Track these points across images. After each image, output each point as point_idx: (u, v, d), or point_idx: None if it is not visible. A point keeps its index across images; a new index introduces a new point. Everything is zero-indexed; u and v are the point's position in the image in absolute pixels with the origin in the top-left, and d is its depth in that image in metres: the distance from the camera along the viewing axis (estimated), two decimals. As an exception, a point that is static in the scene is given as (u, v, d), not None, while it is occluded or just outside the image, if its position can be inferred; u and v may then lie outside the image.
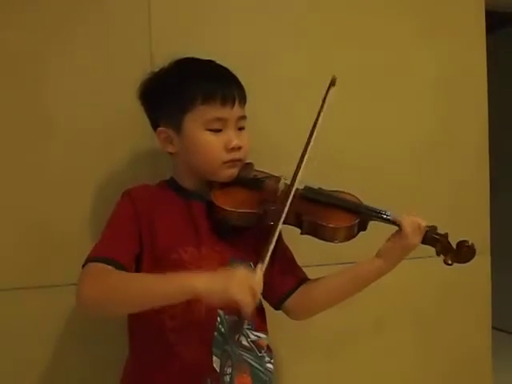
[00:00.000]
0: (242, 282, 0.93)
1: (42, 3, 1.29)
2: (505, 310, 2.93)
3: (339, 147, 1.48)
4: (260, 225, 1.09)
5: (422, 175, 1.63)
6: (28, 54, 1.29)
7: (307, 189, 1.14)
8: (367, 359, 1.57)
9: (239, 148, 1.12)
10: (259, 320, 1.15)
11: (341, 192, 1.16)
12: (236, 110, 1.12)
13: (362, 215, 1.11)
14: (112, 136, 1.33)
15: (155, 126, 1.16)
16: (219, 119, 1.10)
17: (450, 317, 1.66)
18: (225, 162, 1.11)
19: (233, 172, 1.13)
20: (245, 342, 1.10)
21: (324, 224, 1.09)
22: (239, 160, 1.13)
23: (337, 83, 1.12)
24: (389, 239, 1.12)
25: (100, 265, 1.03)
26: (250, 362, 1.10)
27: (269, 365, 1.12)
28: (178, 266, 1.07)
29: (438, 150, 1.65)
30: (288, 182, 1.11)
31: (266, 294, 1.15)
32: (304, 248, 1.20)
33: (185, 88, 1.11)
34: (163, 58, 1.17)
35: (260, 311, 1.17)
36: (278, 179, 1.14)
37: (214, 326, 1.08)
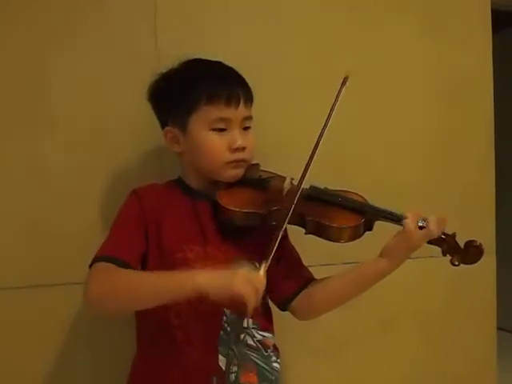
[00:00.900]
0: (246, 279, 0.93)
1: (46, 3, 1.29)
2: (510, 310, 2.92)
3: (342, 147, 1.47)
4: (265, 225, 1.09)
5: (427, 175, 1.62)
6: (31, 54, 1.29)
7: (312, 188, 1.14)
8: (372, 359, 1.56)
9: (243, 148, 1.12)
10: (265, 320, 1.15)
11: (347, 192, 1.15)
12: (241, 111, 1.12)
13: (367, 215, 1.10)
14: (116, 136, 1.33)
15: (163, 125, 1.17)
16: (223, 119, 1.11)
17: (454, 317, 1.66)
18: (228, 163, 1.12)
19: (237, 172, 1.14)
20: (250, 342, 1.10)
21: (328, 224, 1.09)
22: (243, 160, 1.13)
23: (348, 83, 1.12)
24: (393, 238, 1.10)
25: (107, 264, 1.04)
26: (256, 361, 1.10)
27: (275, 364, 1.12)
28: (184, 264, 1.08)
29: (443, 150, 1.64)
30: (294, 182, 1.11)
31: (272, 295, 1.17)
32: (308, 248, 1.20)
33: (190, 89, 1.11)
34: (169, 58, 1.18)
35: (266, 311, 1.17)
36: (283, 179, 1.14)
37: (220, 325, 1.09)
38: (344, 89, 1.11)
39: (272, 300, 1.18)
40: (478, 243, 1.07)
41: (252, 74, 1.15)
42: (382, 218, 1.11)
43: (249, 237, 1.13)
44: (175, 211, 1.14)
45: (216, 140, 1.11)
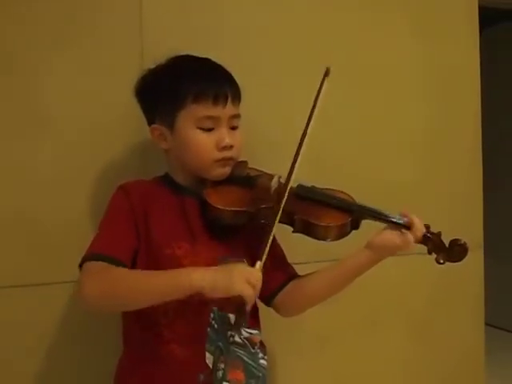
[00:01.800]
0: (244, 278, 0.94)
1: (35, 4, 1.28)
2: (497, 306, 2.94)
3: (330, 146, 1.48)
4: (253, 223, 1.09)
5: (416, 173, 1.63)
6: (19, 54, 1.28)
7: (300, 187, 1.14)
8: (360, 356, 1.57)
9: (231, 147, 1.12)
10: (252, 317, 1.14)
11: (334, 190, 1.16)
12: (229, 109, 1.12)
13: (354, 214, 1.11)
14: (102, 134, 1.33)
15: (150, 122, 1.16)
16: (211, 118, 1.10)
17: (442, 313, 1.67)
18: (216, 161, 1.11)
19: (225, 171, 1.14)
20: (237, 339, 1.09)
21: (316, 222, 1.09)
22: (231, 159, 1.13)
23: (331, 74, 1.12)
24: (381, 233, 1.11)
25: (99, 263, 1.03)
26: (243, 358, 1.10)
27: (262, 361, 1.12)
28: (172, 261, 1.08)
29: (431, 147, 1.65)
30: (282, 180, 1.11)
31: None
32: (295, 245, 1.21)
33: (177, 86, 1.11)
34: (154, 56, 1.18)
35: (253, 308, 1.17)
36: (271, 177, 1.14)
37: (207, 322, 1.09)
38: (326, 81, 1.11)
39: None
40: (462, 242, 1.09)
41: (240, 71, 1.15)
42: (369, 217, 1.12)
43: (237, 235, 1.14)
44: (162, 207, 1.14)
45: (203, 138, 1.11)
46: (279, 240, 1.22)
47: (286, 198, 1.05)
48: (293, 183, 1.10)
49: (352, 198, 1.15)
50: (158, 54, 1.17)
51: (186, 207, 1.14)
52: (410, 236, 1.09)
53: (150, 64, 1.18)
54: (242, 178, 1.15)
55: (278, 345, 1.40)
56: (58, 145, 1.31)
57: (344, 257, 1.14)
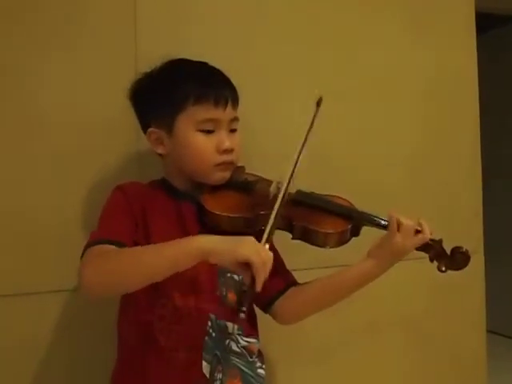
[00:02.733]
0: (254, 246, 0.92)
1: (29, 7, 1.27)
2: (499, 312, 2.93)
3: (329, 150, 1.47)
4: (251, 229, 1.07)
5: (414, 176, 1.62)
6: (13, 56, 1.27)
7: (299, 193, 1.12)
8: (359, 364, 1.56)
9: (231, 150, 1.11)
10: (250, 325, 1.13)
11: (334, 196, 1.15)
12: (229, 112, 1.11)
13: (354, 220, 1.10)
14: (97, 139, 1.31)
15: (145, 126, 1.15)
16: (211, 120, 1.09)
17: (443, 320, 1.66)
18: (216, 165, 1.10)
19: (225, 175, 1.12)
20: (235, 348, 1.09)
21: (315, 229, 1.08)
22: (231, 163, 1.12)
23: (322, 104, 1.09)
24: (380, 242, 1.10)
25: (99, 246, 1.00)
26: (241, 367, 1.09)
27: (260, 370, 1.11)
28: None
29: (429, 151, 1.64)
30: (281, 186, 1.09)
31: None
32: (295, 251, 1.19)
33: (177, 88, 1.10)
34: (148, 59, 1.17)
35: (251, 316, 1.16)
36: (269, 183, 1.13)
37: (205, 330, 1.07)
38: (319, 110, 1.09)
39: (255, 300, 1.16)
40: (464, 249, 1.07)
41: (235, 76, 1.14)
42: (368, 224, 1.11)
43: None
44: (159, 211, 1.12)
45: (204, 141, 1.09)
46: (278, 246, 1.21)
47: (282, 203, 1.02)
48: (292, 189, 1.09)
49: (352, 204, 1.14)
50: (152, 57, 1.16)
51: (183, 212, 1.12)
52: (404, 240, 1.07)
53: (145, 67, 1.16)
54: (240, 184, 1.14)
55: (276, 354, 1.39)
56: (53, 149, 1.29)
57: (348, 263, 1.13)
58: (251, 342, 1.11)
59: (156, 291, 1.06)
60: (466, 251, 1.07)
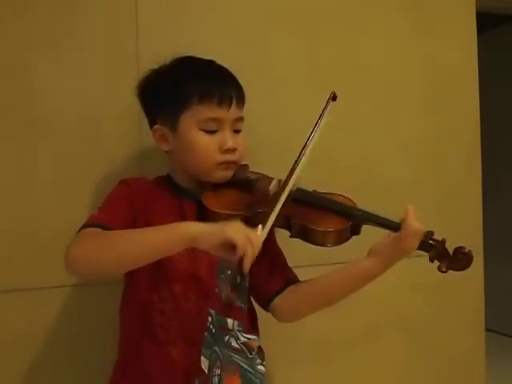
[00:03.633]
0: (240, 229, 0.93)
1: (31, 6, 1.27)
2: (498, 311, 2.93)
3: (331, 147, 1.46)
4: (250, 227, 1.07)
5: (414, 175, 1.62)
6: (15, 56, 1.27)
7: (299, 191, 1.11)
8: (359, 364, 1.55)
9: (234, 150, 1.10)
10: (250, 322, 1.14)
11: (335, 194, 1.14)
12: (233, 112, 1.10)
13: (354, 219, 1.08)
14: (99, 137, 1.31)
15: (152, 123, 1.15)
16: (215, 119, 1.09)
17: (442, 319, 1.65)
18: (218, 164, 1.10)
19: (227, 174, 1.12)
20: (235, 344, 1.09)
21: (313, 227, 1.07)
22: (233, 162, 1.12)
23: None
24: (386, 241, 1.08)
25: (91, 228, 1.01)
26: (240, 363, 1.09)
27: (260, 367, 1.11)
28: (169, 263, 1.06)
29: (429, 149, 1.64)
30: (281, 183, 1.09)
31: (254, 292, 1.16)
32: (296, 248, 1.18)
33: (182, 87, 1.09)
34: (149, 58, 1.16)
35: (251, 313, 1.16)
36: (269, 180, 1.13)
37: (204, 326, 1.08)
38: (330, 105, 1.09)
39: (254, 297, 1.17)
40: (467, 250, 1.05)
41: (240, 73, 1.14)
42: (369, 222, 1.09)
43: None
44: (161, 207, 1.12)
45: (206, 140, 1.09)
46: (279, 243, 1.21)
47: (282, 201, 1.02)
48: (293, 187, 1.08)
49: (353, 202, 1.13)
50: (154, 56, 1.16)
51: (185, 210, 1.13)
52: (411, 241, 1.06)
53: (147, 66, 1.16)
54: (242, 181, 1.13)
55: (276, 353, 1.37)
56: (55, 148, 1.29)
57: (346, 259, 1.13)
58: (251, 338, 1.11)
59: (156, 286, 1.07)
60: (469, 251, 1.05)
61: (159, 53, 1.15)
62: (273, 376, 1.41)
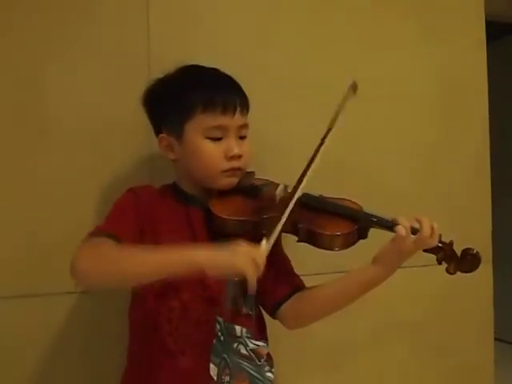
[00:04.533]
0: (248, 257, 0.92)
1: (42, 10, 1.29)
2: (508, 320, 2.91)
3: (338, 151, 1.45)
4: (257, 233, 1.07)
5: (423, 179, 1.62)
6: (26, 60, 1.28)
7: (305, 195, 1.11)
8: (366, 371, 1.55)
9: (239, 157, 1.11)
10: (258, 329, 1.13)
11: (342, 199, 1.14)
12: (237, 119, 1.11)
13: (361, 222, 1.08)
14: (107, 143, 1.32)
15: (157, 132, 1.16)
16: (219, 127, 1.10)
17: (450, 328, 1.64)
18: (224, 171, 1.11)
19: (232, 181, 1.13)
20: (243, 351, 1.08)
21: (320, 232, 1.07)
22: (239, 169, 1.12)
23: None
24: (384, 245, 1.08)
25: (98, 238, 1.01)
26: (249, 370, 1.08)
27: (269, 374, 1.10)
28: None
29: (439, 155, 1.64)
30: (288, 189, 1.09)
31: (261, 299, 1.15)
32: (303, 256, 1.19)
33: (186, 96, 1.10)
34: (161, 66, 1.17)
35: (259, 320, 1.16)
36: (276, 186, 1.13)
37: (213, 333, 1.07)
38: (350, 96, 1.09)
39: (262, 304, 1.17)
40: (475, 251, 1.05)
41: (247, 79, 1.14)
42: (376, 226, 1.09)
43: None
44: (168, 216, 1.13)
45: (212, 148, 1.10)
46: (287, 251, 1.21)
47: (291, 207, 1.02)
48: (299, 192, 1.07)
49: (360, 206, 1.13)
50: (165, 61, 1.17)
51: (192, 217, 1.13)
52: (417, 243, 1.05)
53: (158, 71, 1.17)
54: (248, 188, 1.14)
55: (283, 361, 1.35)
56: (65, 155, 1.30)
57: (352, 267, 1.12)
58: (260, 345, 1.10)
59: (164, 294, 1.07)
60: (477, 253, 1.05)
61: (170, 58, 1.16)
62: (281, 383, 1.40)
